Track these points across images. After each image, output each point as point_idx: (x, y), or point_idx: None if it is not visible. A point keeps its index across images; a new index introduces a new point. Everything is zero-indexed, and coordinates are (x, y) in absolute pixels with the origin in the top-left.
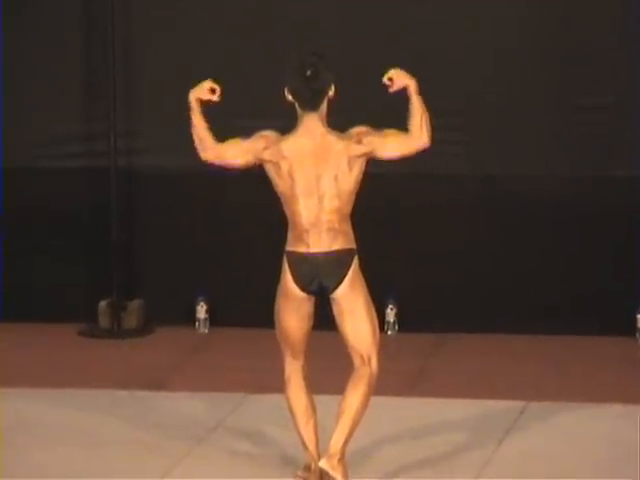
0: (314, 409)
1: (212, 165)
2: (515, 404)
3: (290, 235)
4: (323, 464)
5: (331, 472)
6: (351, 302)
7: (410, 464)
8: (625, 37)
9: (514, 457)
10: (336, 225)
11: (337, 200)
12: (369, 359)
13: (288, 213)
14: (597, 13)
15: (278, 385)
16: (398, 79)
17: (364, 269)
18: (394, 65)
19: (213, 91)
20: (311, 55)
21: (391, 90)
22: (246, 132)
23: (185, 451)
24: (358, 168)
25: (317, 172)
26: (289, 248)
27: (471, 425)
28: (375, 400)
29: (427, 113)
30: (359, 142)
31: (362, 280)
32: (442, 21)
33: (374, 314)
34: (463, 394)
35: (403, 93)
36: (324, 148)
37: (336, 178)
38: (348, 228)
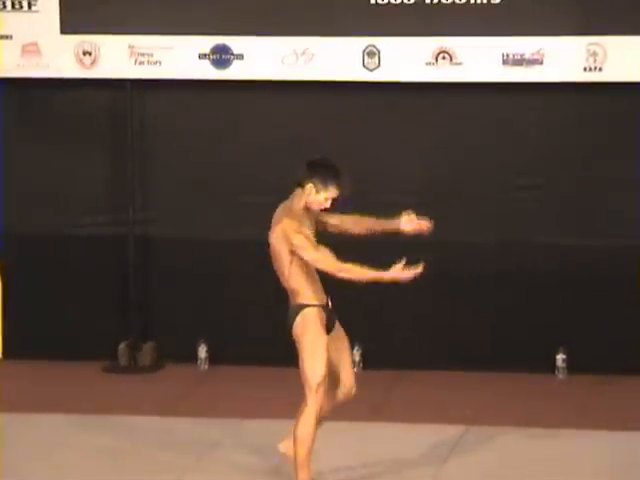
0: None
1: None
2: (458, 428)
3: None
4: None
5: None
6: (298, 346)
7: (370, 474)
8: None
9: (458, 472)
10: (286, 285)
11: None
12: (305, 395)
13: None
14: (530, 114)
15: (269, 412)
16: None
17: (340, 319)
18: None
19: None
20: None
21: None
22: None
23: (190, 466)
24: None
25: None
26: None
27: (420, 446)
28: (343, 425)
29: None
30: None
31: (308, 329)
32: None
33: (311, 361)
34: (415, 420)
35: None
36: None
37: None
38: (297, 287)
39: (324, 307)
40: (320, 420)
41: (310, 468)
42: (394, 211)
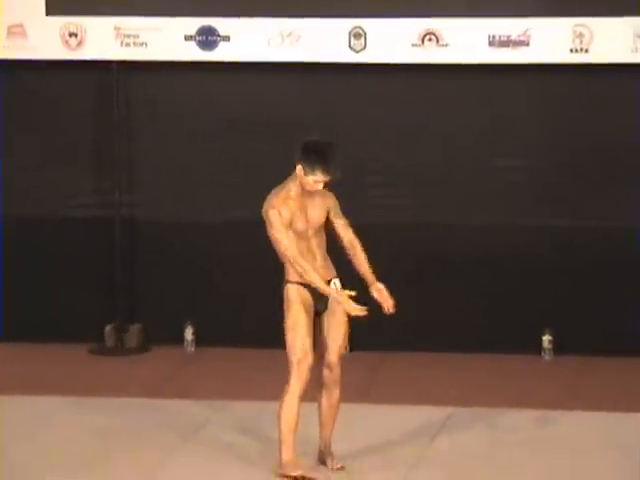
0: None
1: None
2: (445, 409)
3: None
4: None
5: None
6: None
7: (356, 456)
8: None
9: (444, 452)
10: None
11: None
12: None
13: None
14: (517, 95)
15: (255, 394)
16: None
17: None
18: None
19: None
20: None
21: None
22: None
23: (176, 447)
24: None
25: None
26: None
27: (407, 426)
28: None
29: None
30: None
31: (288, 306)
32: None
33: (290, 338)
34: (402, 401)
35: None
36: None
37: None
38: (285, 264)
39: (307, 286)
40: (320, 402)
41: (293, 446)
42: (379, 192)
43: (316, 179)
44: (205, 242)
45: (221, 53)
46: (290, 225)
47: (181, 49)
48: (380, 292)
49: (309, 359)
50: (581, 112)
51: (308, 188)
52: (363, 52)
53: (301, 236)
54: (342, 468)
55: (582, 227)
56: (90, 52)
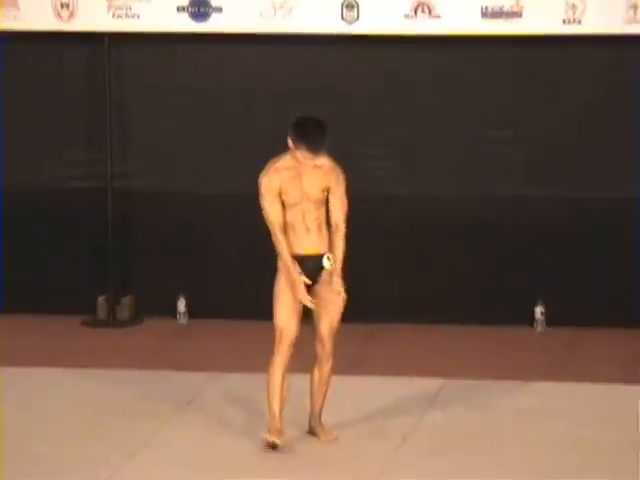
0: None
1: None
2: (436, 381)
3: None
4: None
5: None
6: None
7: (348, 427)
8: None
9: (436, 423)
10: None
11: None
12: None
13: None
14: (509, 66)
15: (247, 365)
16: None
17: None
18: None
19: None
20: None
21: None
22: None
23: (169, 418)
24: None
25: None
26: None
27: (399, 398)
28: None
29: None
30: None
31: (278, 276)
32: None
33: (275, 310)
34: (393, 373)
35: None
36: None
37: None
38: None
39: (296, 257)
40: (312, 375)
41: (275, 414)
42: (371, 163)
43: (304, 155)
44: (198, 214)
45: (213, 24)
46: (280, 195)
47: (173, 21)
48: (335, 283)
49: (290, 331)
50: (573, 83)
51: (301, 162)
52: (356, 23)
53: (295, 208)
54: (334, 439)
55: (575, 199)
56: (82, 23)
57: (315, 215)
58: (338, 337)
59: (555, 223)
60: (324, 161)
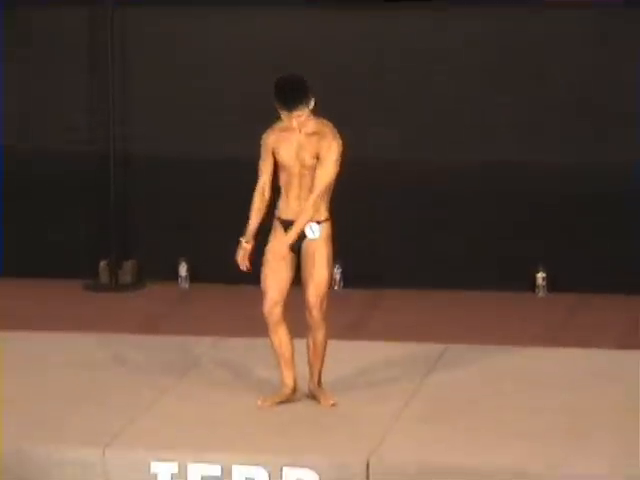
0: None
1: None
2: (437, 346)
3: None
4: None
5: None
6: None
7: (349, 391)
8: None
9: (438, 387)
10: None
11: None
12: None
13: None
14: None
15: (250, 330)
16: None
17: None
18: None
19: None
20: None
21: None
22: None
23: (171, 383)
24: None
25: None
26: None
27: (401, 363)
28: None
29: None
30: None
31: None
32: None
33: (262, 272)
34: (394, 338)
35: None
36: None
37: None
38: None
39: (284, 221)
40: (308, 342)
41: (283, 371)
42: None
43: (282, 114)
44: (199, 178)
45: None
46: (273, 153)
47: None
48: (287, 237)
49: (271, 293)
50: (577, 47)
51: (288, 124)
52: None
53: (289, 171)
54: (335, 404)
55: (577, 163)
56: None
57: (305, 181)
58: (329, 304)
59: (557, 187)
60: (314, 126)
